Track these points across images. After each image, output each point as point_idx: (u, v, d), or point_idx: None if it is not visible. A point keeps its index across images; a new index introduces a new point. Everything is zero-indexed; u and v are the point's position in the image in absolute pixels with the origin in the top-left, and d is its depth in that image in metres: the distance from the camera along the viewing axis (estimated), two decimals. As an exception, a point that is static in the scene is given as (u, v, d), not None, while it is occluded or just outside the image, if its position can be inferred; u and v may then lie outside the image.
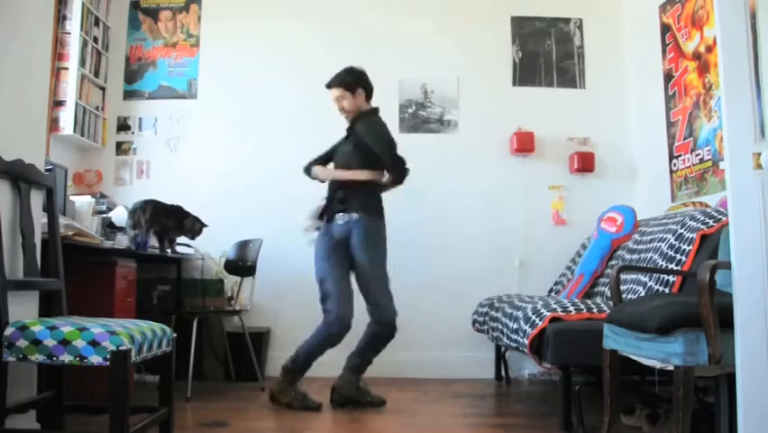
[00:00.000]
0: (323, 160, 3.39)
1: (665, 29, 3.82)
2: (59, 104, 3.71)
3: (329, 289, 3.06)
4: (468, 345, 4.00)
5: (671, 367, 1.93)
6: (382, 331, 3.06)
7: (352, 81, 3.24)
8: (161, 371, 2.14)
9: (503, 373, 3.91)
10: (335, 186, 3.21)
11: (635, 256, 3.17)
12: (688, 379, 1.88)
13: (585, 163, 4.16)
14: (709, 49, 3.36)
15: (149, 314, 3.37)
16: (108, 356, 1.75)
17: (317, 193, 3.99)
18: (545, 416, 2.89)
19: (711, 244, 2.63)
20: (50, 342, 1.78)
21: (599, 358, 2.32)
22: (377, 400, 3.10)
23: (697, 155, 3.47)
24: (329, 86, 3.27)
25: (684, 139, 3.60)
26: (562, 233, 4.14)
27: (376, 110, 3.27)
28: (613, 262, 3.43)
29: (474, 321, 3.74)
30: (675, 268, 2.73)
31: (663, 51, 3.82)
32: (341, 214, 3.12)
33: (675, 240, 2.86)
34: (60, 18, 3.73)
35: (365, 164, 3.14)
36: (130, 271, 3.08)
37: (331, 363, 3.14)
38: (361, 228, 3.07)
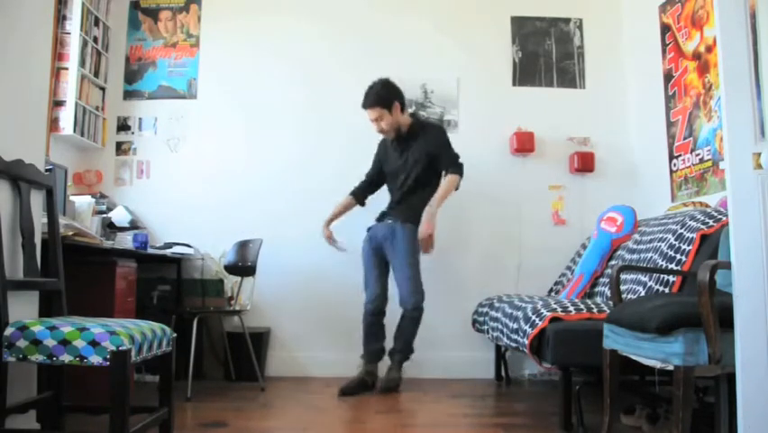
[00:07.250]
0: (372, 179, 3.56)
1: (665, 29, 3.82)
2: (59, 104, 3.71)
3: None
4: (468, 345, 4.00)
5: (671, 367, 1.93)
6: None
7: (386, 96, 3.15)
8: (161, 371, 2.14)
9: (503, 373, 3.91)
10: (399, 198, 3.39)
11: (635, 256, 3.17)
12: (688, 379, 1.88)
13: (585, 163, 4.16)
14: (709, 49, 3.36)
15: (149, 314, 3.37)
16: (108, 356, 1.75)
17: (318, 193, 4.03)
18: (545, 416, 2.89)
19: (711, 244, 2.63)
20: (50, 342, 1.78)
21: (599, 358, 2.32)
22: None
23: (697, 155, 3.47)
24: (364, 106, 3.17)
25: (684, 139, 3.60)
26: (562, 233, 4.14)
27: (423, 118, 3.38)
28: (613, 262, 3.43)
29: (474, 321, 3.75)
30: (675, 268, 2.73)
31: (663, 51, 3.82)
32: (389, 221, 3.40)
33: (675, 240, 2.86)
34: (60, 18, 3.73)
35: (428, 173, 3.33)
36: (130, 271, 3.08)
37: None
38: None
